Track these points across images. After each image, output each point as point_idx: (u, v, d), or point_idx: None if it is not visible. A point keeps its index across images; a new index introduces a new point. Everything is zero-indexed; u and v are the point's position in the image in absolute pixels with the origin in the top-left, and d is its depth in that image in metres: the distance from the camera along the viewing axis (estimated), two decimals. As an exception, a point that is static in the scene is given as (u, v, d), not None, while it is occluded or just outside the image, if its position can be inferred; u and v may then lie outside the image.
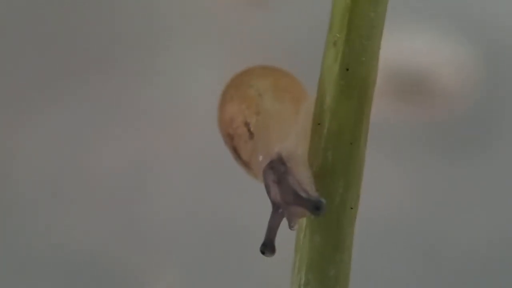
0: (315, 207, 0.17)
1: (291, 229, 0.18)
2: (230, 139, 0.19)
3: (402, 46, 0.62)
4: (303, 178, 0.17)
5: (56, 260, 0.53)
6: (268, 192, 0.18)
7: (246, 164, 0.19)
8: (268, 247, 0.17)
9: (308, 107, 0.18)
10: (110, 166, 0.57)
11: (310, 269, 0.18)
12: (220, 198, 0.56)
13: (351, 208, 0.18)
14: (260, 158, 0.18)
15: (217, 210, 0.55)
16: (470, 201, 0.56)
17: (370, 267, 0.52)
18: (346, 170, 0.18)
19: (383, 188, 0.56)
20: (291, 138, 0.18)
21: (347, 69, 0.17)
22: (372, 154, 0.57)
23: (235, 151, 0.19)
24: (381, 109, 0.61)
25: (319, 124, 0.18)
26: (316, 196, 0.17)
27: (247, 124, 0.19)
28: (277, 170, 0.18)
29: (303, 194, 0.17)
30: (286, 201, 0.17)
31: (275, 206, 0.17)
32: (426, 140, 0.60)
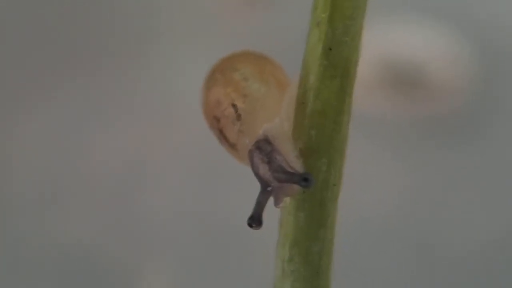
0: (304, 179, 0.17)
1: (277, 207, 0.18)
2: (216, 121, 0.19)
3: (398, 41, 0.62)
4: (290, 157, 0.18)
5: (52, 258, 0.53)
6: (257, 171, 0.18)
7: (232, 146, 0.19)
8: (255, 220, 0.17)
9: (292, 90, 0.19)
10: (106, 163, 0.58)
11: (294, 245, 0.18)
12: (217, 195, 0.56)
13: (334, 185, 0.18)
14: (247, 139, 0.19)
15: (214, 207, 0.56)
16: (466, 196, 0.56)
17: (366, 263, 0.53)
18: (329, 148, 0.18)
19: (379, 182, 0.56)
20: (277, 119, 0.19)
21: (330, 49, 0.18)
22: (368, 148, 0.58)
23: (221, 133, 0.19)
24: (377, 102, 0.61)
25: (303, 103, 0.18)
26: (303, 171, 0.17)
27: (234, 106, 0.19)
28: (263, 150, 0.18)
29: (291, 170, 0.18)
30: (276, 178, 0.18)
31: (264, 184, 0.18)
32: (422, 134, 0.60)
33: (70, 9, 0.66)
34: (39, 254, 0.54)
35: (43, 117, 0.60)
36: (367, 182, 0.56)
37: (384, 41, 0.62)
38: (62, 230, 0.55)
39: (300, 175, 0.17)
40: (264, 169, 0.18)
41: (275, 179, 0.18)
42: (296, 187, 0.18)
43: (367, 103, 0.60)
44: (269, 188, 0.18)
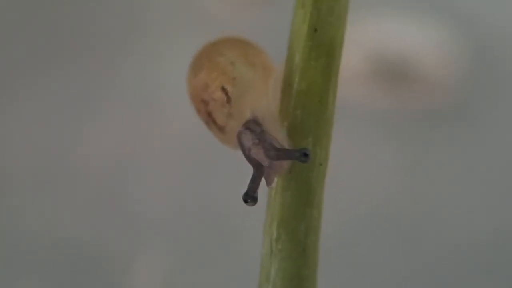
0: (303, 154, 0.17)
1: (269, 186, 0.18)
2: (204, 104, 0.19)
3: (391, 34, 0.63)
4: (279, 137, 0.18)
5: (46, 253, 0.53)
6: (248, 153, 0.18)
7: (220, 129, 0.19)
8: (249, 196, 0.18)
9: (278, 72, 0.19)
10: (97, 157, 0.58)
11: (281, 224, 0.18)
12: (209, 188, 0.56)
13: (320, 165, 0.18)
14: (236, 121, 0.19)
15: (206, 200, 0.56)
16: (460, 190, 0.56)
17: (361, 258, 0.53)
18: (315, 127, 0.18)
19: (372, 176, 0.57)
20: (264, 101, 0.19)
21: (315, 30, 0.18)
22: (360, 141, 0.58)
23: (210, 116, 0.19)
24: (369, 96, 0.61)
25: (289, 84, 0.18)
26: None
27: (224, 89, 0.19)
28: (253, 131, 0.18)
29: (285, 148, 0.18)
30: (270, 156, 0.18)
31: (256, 164, 0.18)
32: (415, 128, 0.60)
33: (59, 2, 0.66)
34: (33, 249, 0.54)
35: (31, 112, 0.60)
36: (360, 176, 0.56)
37: (377, 34, 0.63)
38: (55, 225, 0.55)
39: (300, 150, 0.17)
40: (256, 149, 0.18)
41: (268, 157, 0.18)
42: (286, 165, 0.18)
43: (360, 97, 0.60)
44: (262, 169, 0.18)
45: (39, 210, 0.55)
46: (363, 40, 0.62)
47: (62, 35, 0.64)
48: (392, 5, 0.64)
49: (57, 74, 0.61)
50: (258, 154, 0.18)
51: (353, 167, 0.56)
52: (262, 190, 0.18)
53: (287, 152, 0.18)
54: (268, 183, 0.18)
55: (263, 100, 0.19)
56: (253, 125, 0.18)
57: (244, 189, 0.18)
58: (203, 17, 0.65)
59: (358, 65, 0.61)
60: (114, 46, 0.64)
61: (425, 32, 0.63)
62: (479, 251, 0.53)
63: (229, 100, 0.19)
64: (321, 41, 0.18)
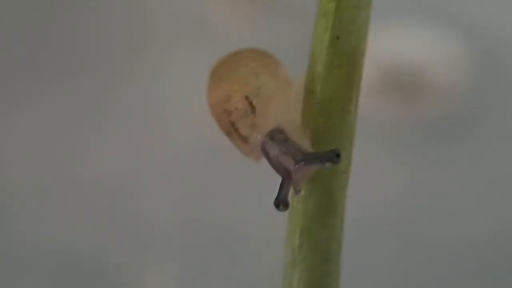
0: (335, 155, 0.17)
1: (298, 194, 0.18)
2: (227, 114, 0.19)
3: (397, 44, 0.63)
4: (303, 145, 0.18)
5: (48, 263, 0.53)
6: (275, 161, 0.18)
7: (244, 140, 0.19)
8: (282, 201, 0.18)
9: (300, 83, 0.19)
10: (100, 167, 0.58)
11: (304, 233, 0.18)
12: (213, 199, 0.56)
13: (344, 173, 0.18)
14: (260, 131, 0.19)
15: (210, 212, 0.56)
16: (465, 198, 0.56)
17: (363, 262, 0.53)
18: (338, 135, 0.18)
19: (379, 184, 0.57)
20: (287, 111, 0.19)
21: (338, 38, 0.18)
22: (367, 150, 0.58)
23: (233, 126, 0.19)
24: (376, 106, 0.62)
25: (311, 92, 0.18)
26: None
27: (248, 98, 0.19)
28: (277, 139, 0.18)
29: (314, 152, 0.18)
30: (298, 161, 0.18)
31: (284, 172, 0.18)
32: (421, 137, 0.60)
33: (58, 12, 0.66)
34: (35, 259, 0.54)
35: (33, 123, 0.60)
36: (367, 184, 0.56)
37: (385, 45, 0.63)
38: (58, 235, 0.55)
39: (332, 151, 0.17)
40: (283, 156, 0.18)
41: (296, 162, 0.18)
42: (313, 169, 0.18)
43: (367, 106, 0.60)
44: (289, 174, 0.18)
45: (41, 223, 0.55)
46: (373, 50, 0.62)
47: (64, 47, 0.64)
48: (400, 16, 0.65)
49: (58, 87, 0.61)
50: (286, 161, 0.18)
51: (361, 177, 0.56)
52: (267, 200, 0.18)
53: (317, 155, 0.18)
54: (297, 191, 0.18)
55: (286, 110, 0.19)
56: (277, 135, 0.18)
57: (275, 195, 0.18)
58: (207, 30, 0.65)
59: (367, 76, 0.61)
60: (117, 57, 0.64)
61: (434, 43, 0.63)
62: (480, 258, 0.53)
63: (253, 110, 0.19)
64: (343, 50, 0.18)
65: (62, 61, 0.63)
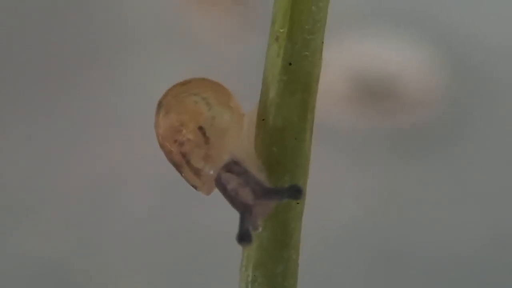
0: (296, 191, 0.17)
1: (257, 231, 0.17)
2: (179, 145, 0.18)
3: (369, 53, 0.62)
4: (261, 177, 0.17)
5: (21, 273, 0.53)
6: (234, 195, 0.17)
7: (196, 173, 0.18)
8: (245, 237, 0.17)
9: (254, 112, 0.18)
10: (77, 178, 0.57)
11: (258, 267, 0.18)
12: (192, 211, 0.56)
13: (297, 203, 0.18)
14: (214, 164, 0.18)
15: (188, 222, 0.55)
16: (437, 206, 0.56)
17: (333, 271, 0.52)
18: (292, 165, 0.18)
19: (350, 192, 0.56)
20: (241, 142, 0.18)
21: (290, 64, 0.17)
22: (339, 160, 0.58)
23: (184, 157, 0.18)
24: (348, 115, 0.61)
25: (263, 119, 0.18)
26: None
27: (201, 129, 0.18)
28: (235, 172, 0.17)
29: (275, 187, 0.17)
30: (258, 196, 0.17)
31: (243, 207, 0.17)
32: (394, 146, 0.60)
33: (45, 20, 0.66)
34: (9, 270, 0.53)
35: (19, 131, 0.59)
36: (339, 193, 0.56)
37: (355, 54, 0.62)
38: (32, 245, 0.54)
39: (291, 187, 0.17)
40: (242, 190, 0.17)
41: (256, 197, 0.17)
42: (272, 205, 0.17)
43: (338, 116, 0.60)
44: (252, 212, 0.17)
45: (16, 233, 0.54)
46: (343, 60, 0.61)
47: (52, 56, 0.64)
48: (371, 25, 0.64)
49: (44, 95, 0.61)
50: (245, 195, 0.17)
51: (334, 185, 0.56)
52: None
53: (278, 190, 0.17)
54: (255, 227, 0.17)
55: (240, 142, 0.18)
56: (234, 167, 0.17)
57: (236, 231, 0.17)
58: (191, 42, 0.64)
59: (339, 85, 0.60)
60: (105, 67, 0.64)
61: (407, 51, 0.63)
62: (460, 269, 0.53)
63: (206, 140, 0.18)
64: (296, 76, 0.17)
65: (48, 68, 0.63)
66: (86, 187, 0.56)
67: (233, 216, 0.17)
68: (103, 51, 0.64)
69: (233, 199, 0.17)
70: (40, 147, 0.59)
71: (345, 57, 0.62)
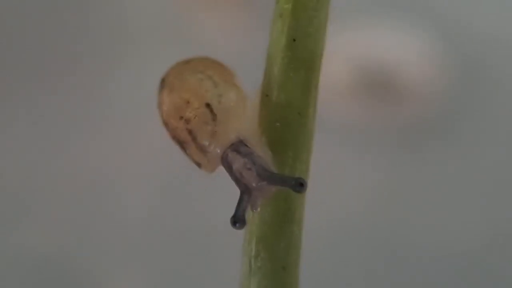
0: (299, 184, 0.17)
1: (255, 211, 0.18)
2: (185, 122, 0.18)
3: (371, 45, 0.62)
4: (267, 159, 0.17)
5: (20, 269, 0.53)
6: (238, 176, 0.17)
7: (202, 149, 0.18)
8: (239, 219, 0.17)
9: (256, 92, 0.18)
10: (73, 174, 0.57)
11: (260, 241, 0.18)
12: (187, 204, 0.56)
13: (301, 179, 0.18)
14: (220, 141, 0.18)
15: (183, 217, 0.55)
16: (439, 200, 0.56)
17: (334, 267, 0.52)
18: (295, 141, 0.18)
19: (350, 186, 0.56)
20: (246, 120, 0.18)
21: (294, 40, 0.17)
22: (341, 153, 0.57)
23: (191, 134, 0.18)
24: (350, 107, 0.61)
25: (267, 95, 0.18)
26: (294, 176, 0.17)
27: (208, 106, 0.18)
28: (242, 153, 0.17)
29: (280, 174, 0.17)
30: (262, 180, 0.17)
31: (246, 188, 0.17)
32: (396, 138, 0.60)
33: (42, 17, 0.65)
34: (8, 266, 0.53)
35: (11, 126, 0.59)
36: (341, 187, 0.56)
37: (357, 45, 0.62)
38: (32, 244, 0.54)
39: (295, 179, 0.17)
40: (246, 172, 0.17)
41: (260, 180, 0.17)
42: (274, 189, 0.17)
43: (340, 108, 0.60)
44: (252, 193, 0.17)
45: (14, 229, 0.54)
46: (344, 51, 0.61)
47: (47, 49, 0.64)
48: (373, 16, 0.64)
49: (37, 90, 0.61)
50: (248, 176, 0.17)
51: (336, 178, 0.56)
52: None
53: (282, 178, 0.17)
54: (254, 207, 0.17)
55: (246, 120, 0.18)
56: (241, 147, 0.18)
57: (232, 212, 0.17)
58: (191, 41, 0.64)
59: (340, 77, 0.60)
60: (102, 61, 0.64)
61: (408, 43, 0.63)
62: (452, 267, 0.53)
63: (214, 117, 0.18)
64: (300, 53, 0.18)
65: (40, 64, 0.63)
66: (86, 186, 0.56)
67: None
68: (101, 49, 0.64)
69: (236, 179, 0.18)
70: (39, 146, 0.59)
71: (346, 50, 0.62)
